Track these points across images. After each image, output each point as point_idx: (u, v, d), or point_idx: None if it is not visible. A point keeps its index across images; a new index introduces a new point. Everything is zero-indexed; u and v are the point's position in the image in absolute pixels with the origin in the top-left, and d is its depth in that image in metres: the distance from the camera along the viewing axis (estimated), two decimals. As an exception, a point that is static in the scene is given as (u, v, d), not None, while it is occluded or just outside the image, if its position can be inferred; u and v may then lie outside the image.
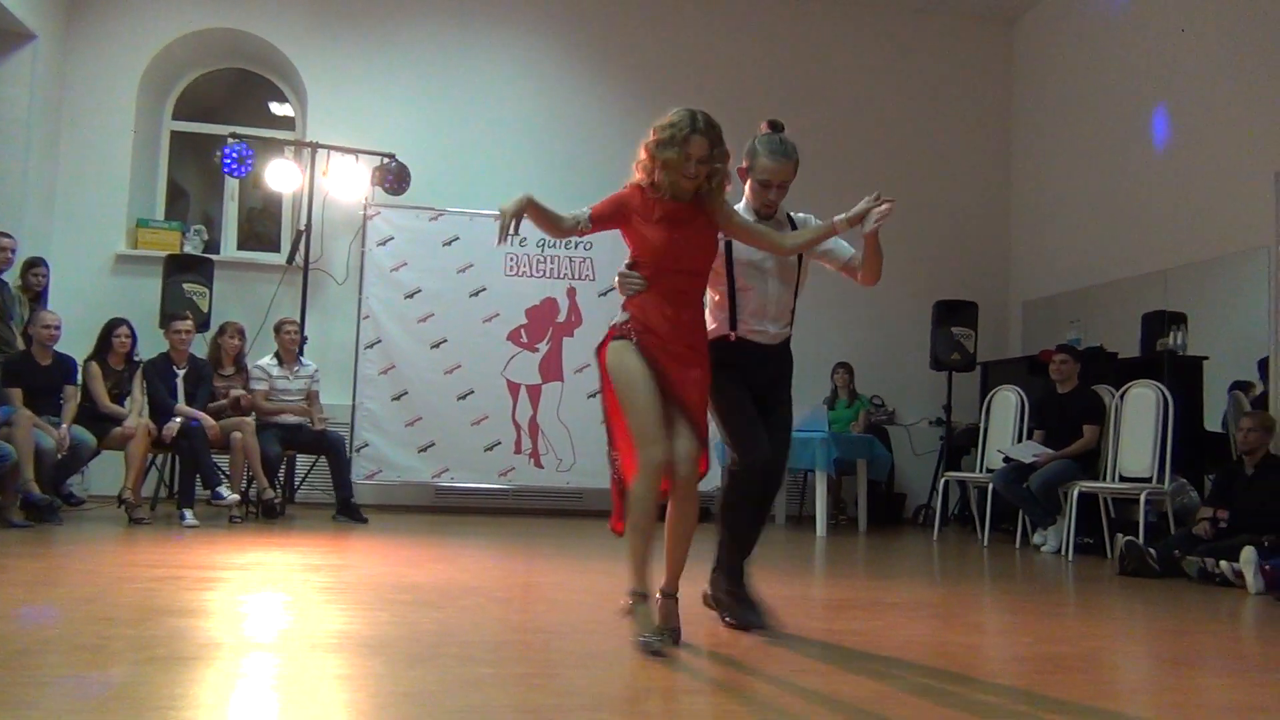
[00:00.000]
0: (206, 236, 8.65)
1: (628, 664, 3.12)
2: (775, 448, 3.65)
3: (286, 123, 8.98)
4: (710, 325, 3.60)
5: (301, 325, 7.77)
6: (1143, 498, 6.25)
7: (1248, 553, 5.18)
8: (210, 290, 7.85)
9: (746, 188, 3.69)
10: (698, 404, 3.30)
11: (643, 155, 3.44)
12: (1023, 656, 3.53)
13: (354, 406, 7.98)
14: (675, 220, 3.33)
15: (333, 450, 7.26)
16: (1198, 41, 7.34)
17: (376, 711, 2.49)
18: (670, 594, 3.34)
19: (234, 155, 7.99)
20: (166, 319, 7.24)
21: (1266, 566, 5.12)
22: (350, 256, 8.37)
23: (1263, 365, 6.70)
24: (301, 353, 7.59)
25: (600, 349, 3.38)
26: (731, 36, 9.29)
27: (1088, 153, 8.62)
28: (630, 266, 3.38)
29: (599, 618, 3.94)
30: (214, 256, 8.23)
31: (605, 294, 8.24)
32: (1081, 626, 4.36)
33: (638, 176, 3.45)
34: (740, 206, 3.66)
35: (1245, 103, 6.85)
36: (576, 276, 8.28)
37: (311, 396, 7.43)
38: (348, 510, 7.09)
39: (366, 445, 7.93)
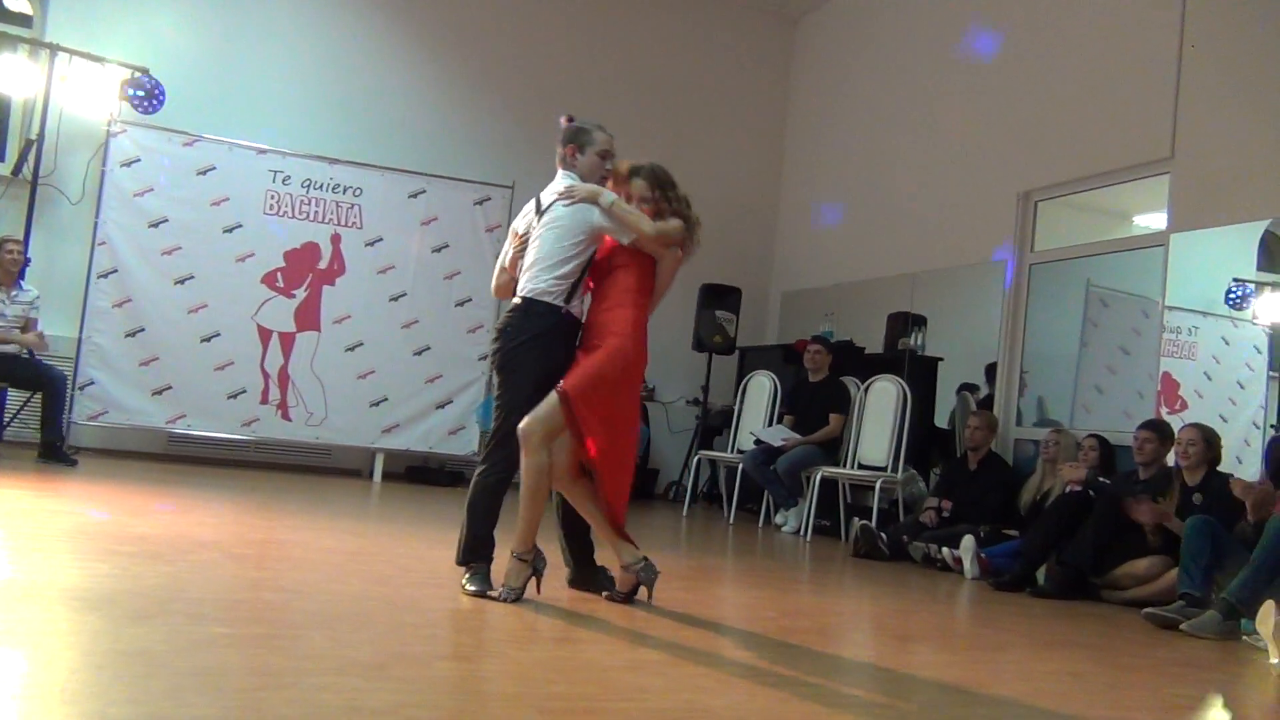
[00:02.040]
0: (-87, 134, 7.63)
1: (376, 626, 2.98)
2: None
3: (21, 20, 8.03)
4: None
5: (25, 245, 7.00)
6: (878, 485, 6.64)
7: (967, 541, 5.61)
8: (-85, 195, 6.93)
9: (583, 164, 3.82)
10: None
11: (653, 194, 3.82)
12: (764, 630, 3.64)
13: (80, 340, 7.28)
14: None
15: (52, 387, 6.59)
16: (957, 64, 7.83)
17: (93, 671, 2.24)
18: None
19: (-45, 46, 7.06)
20: None
21: (982, 554, 5.55)
22: (88, 175, 7.60)
23: (990, 370, 7.26)
24: (22, 276, 6.84)
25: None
26: (526, 3, 9.14)
27: (853, 156, 9.05)
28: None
29: (345, 577, 3.76)
30: (-79, 158, 7.27)
31: (373, 243, 7.92)
32: (817, 603, 4.57)
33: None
34: (561, 184, 3.81)
35: (999, 126, 7.37)
36: (342, 222, 7.89)
37: (28, 324, 6.71)
38: (51, 454, 6.43)
39: (92, 383, 7.26)
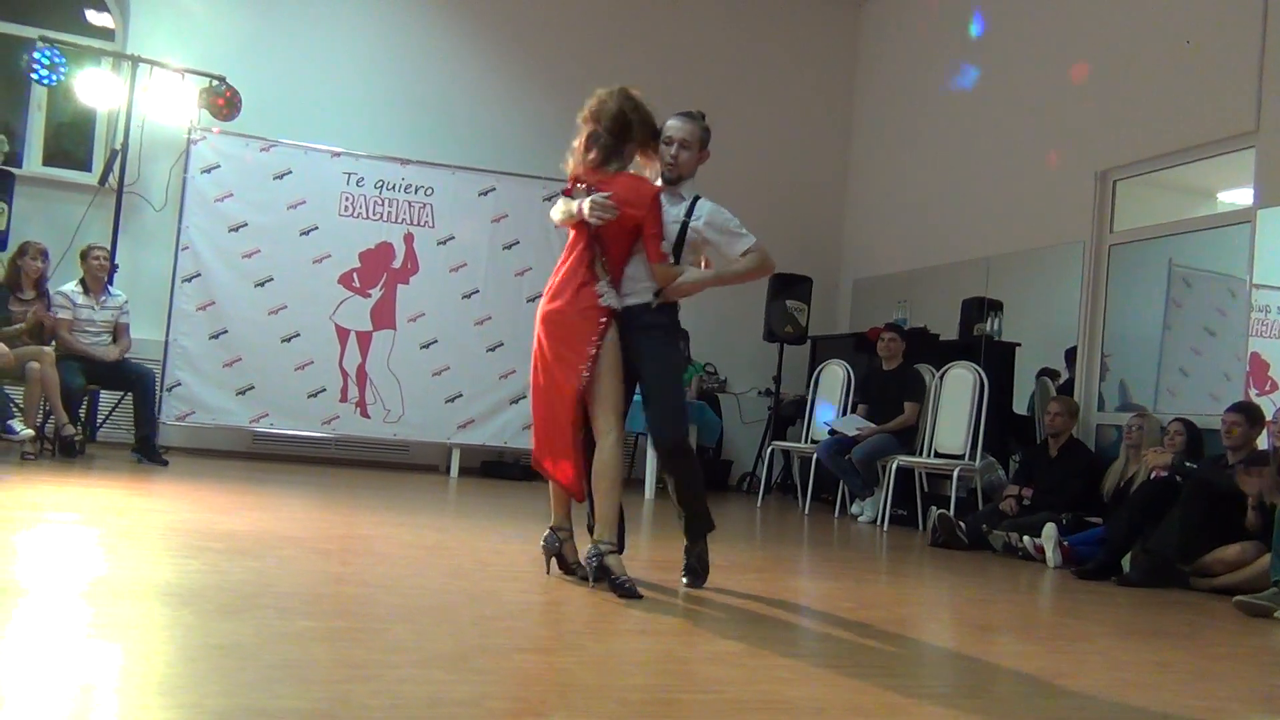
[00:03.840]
0: (7, 148, 7.91)
1: (457, 619, 3.03)
2: None
3: (104, 34, 8.29)
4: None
5: (113, 252, 7.24)
6: (955, 474, 6.55)
7: (1049, 529, 5.50)
8: (9, 207, 7.19)
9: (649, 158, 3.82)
10: None
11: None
12: (842, 621, 3.62)
13: (167, 343, 7.50)
14: None
15: (140, 385, 6.81)
16: (1031, 42, 7.67)
17: (186, 664, 2.32)
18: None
19: (44, 61, 7.31)
20: (-45, 235, 6.61)
21: (1065, 542, 5.45)
22: (170, 182, 7.83)
23: (1070, 354, 7.11)
24: (111, 281, 7.07)
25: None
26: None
27: (923, 140, 8.91)
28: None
29: (425, 571, 3.83)
30: (15, 170, 7.53)
31: (445, 242, 8.03)
32: (895, 593, 4.53)
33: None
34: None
35: (1073, 103, 7.19)
36: (415, 222, 8.01)
37: (119, 329, 6.94)
38: (147, 450, 6.65)
39: (179, 385, 7.48)
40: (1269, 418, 5.13)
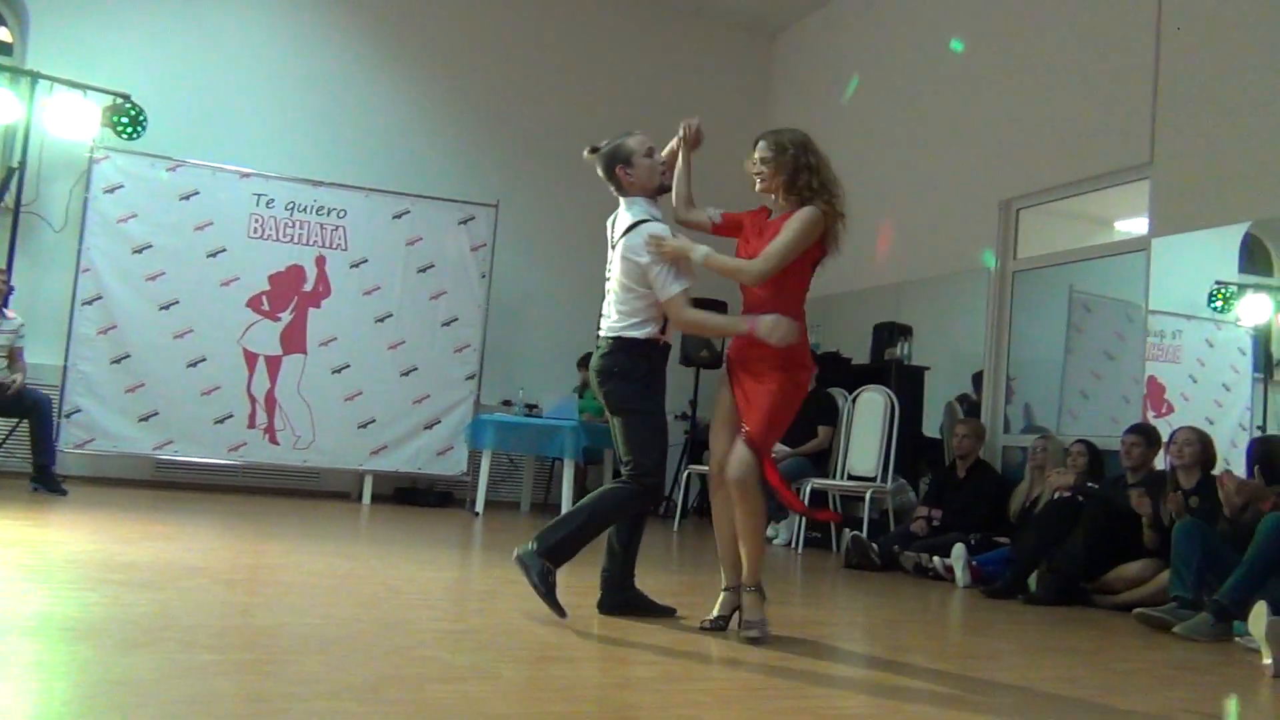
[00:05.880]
0: (-106, 165, 7.60)
1: (368, 650, 2.96)
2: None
3: (1, 49, 8.01)
4: (643, 329, 3.68)
5: (9, 274, 6.97)
6: (868, 496, 6.65)
7: (958, 550, 5.62)
8: (-104, 226, 6.90)
9: (639, 173, 3.71)
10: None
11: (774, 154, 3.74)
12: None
13: (66, 368, 7.25)
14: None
15: (37, 412, 6.56)
16: (936, 75, 7.88)
17: (84, 702, 2.22)
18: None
19: (-65, 76, 7.05)
20: None
21: (974, 562, 5.56)
22: (71, 202, 7.58)
23: (977, 378, 7.29)
24: (6, 304, 6.81)
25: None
26: (505, 13, 9.16)
27: (835, 168, 9.05)
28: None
29: (336, 601, 3.74)
30: (-97, 188, 7.23)
31: (358, 265, 7.91)
32: (809, 615, 4.57)
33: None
34: (638, 204, 3.72)
35: (979, 134, 7.41)
36: (327, 244, 7.88)
37: (14, 353, 6.68)
38: (44, 479, 6.41)
39: (79, 411, 7.23)
40: (1165, 439, 5.31)
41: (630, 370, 3.67)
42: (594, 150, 3.76)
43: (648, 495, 3.69)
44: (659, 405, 3.72)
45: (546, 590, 3.49)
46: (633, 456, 3.64)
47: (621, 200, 3.76)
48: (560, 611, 3.50)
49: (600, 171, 3.74)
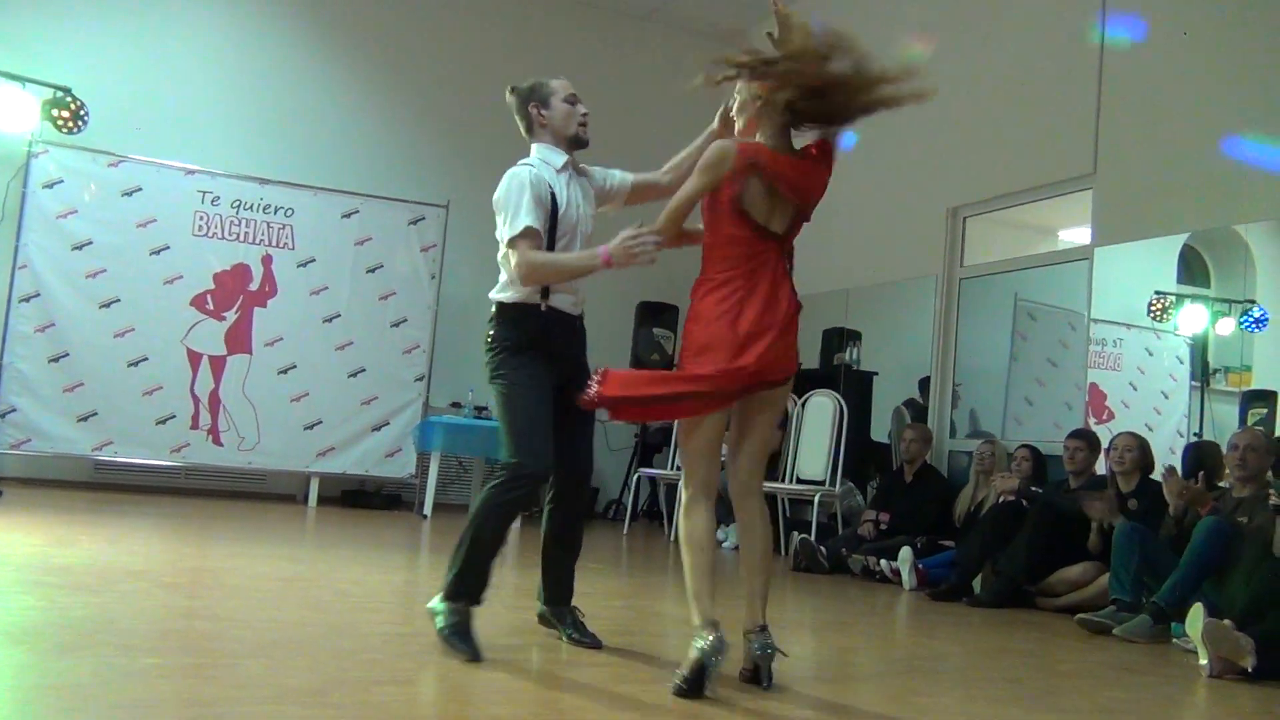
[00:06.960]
0: None
1: (313, 653, 2.92)
2: (584, 458, 3.44)
3: (-62, 37, 7.81)
4: (508, 291, 3.26)
5: (-59, 269, 6.80)
6: (816, 499, 6.69)
7: (904, 553, 5.67)
8: None
9: (554, 117, 3.47)
10: None
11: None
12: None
13: (1, 366, 7.06)
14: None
15: (-29, 413, 6.40)
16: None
17: (19, 706, 2.17)
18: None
19: None
20: None
21: (920, 565, 5.62)
22: (8, 197, 7.40)
23: (924, 383, 7.38)
24: (-61, 301, 6.64)
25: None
26: (457, 12, 9.11)
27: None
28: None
29: (281, 604, 3.69)
30: None
31: (305, 264, 7.81)
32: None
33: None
34: (538, 149, 3.44)
35: (928, 142, 7.50)
36: (274, 243, 7.77)
37: (-52, 351, 6.51)
38: (-17, 482, 6.27)
39: (14, 410, 7.05)
40: (1106, 445, 5.42)
41: (498, 340, 3.24)
42: (514, 90, 3.54)
43: (521, 482, 3.08)
44: (529, 379, 3.20)
45: (450, 634, 3.03)
46: (503, 440, 3.14)
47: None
48: (473, 654, 2.97)
49: (514, 109, 3.48)
